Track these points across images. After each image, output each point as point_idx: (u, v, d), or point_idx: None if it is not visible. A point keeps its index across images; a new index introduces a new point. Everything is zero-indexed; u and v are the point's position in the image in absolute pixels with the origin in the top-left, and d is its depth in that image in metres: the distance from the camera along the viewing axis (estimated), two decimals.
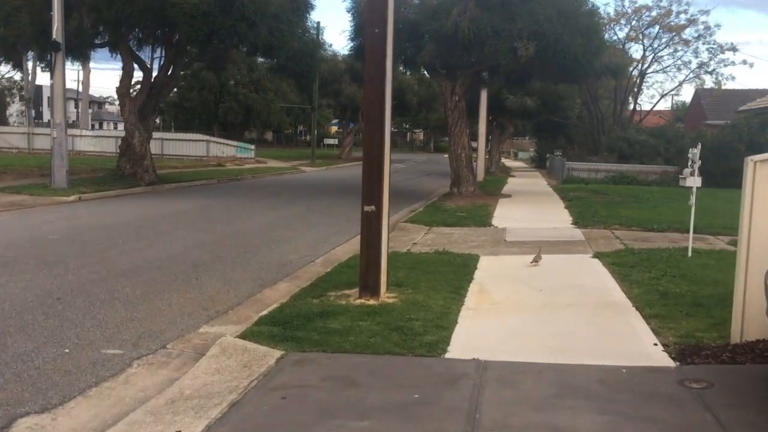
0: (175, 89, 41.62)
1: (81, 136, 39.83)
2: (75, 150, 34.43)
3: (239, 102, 59.38)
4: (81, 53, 22.83)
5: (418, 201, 21.49)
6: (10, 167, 24.59)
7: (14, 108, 52.43)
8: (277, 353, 5.56)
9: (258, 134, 67.23)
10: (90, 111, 65.42)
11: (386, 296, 7.23)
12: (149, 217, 14.77)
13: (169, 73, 22.30)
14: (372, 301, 7.02)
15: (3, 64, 49.66)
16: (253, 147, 44.73)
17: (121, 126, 70.10)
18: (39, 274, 8.49)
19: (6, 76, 50.71)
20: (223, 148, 40.85)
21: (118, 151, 23.67)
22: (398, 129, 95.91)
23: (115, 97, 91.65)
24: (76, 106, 68.59)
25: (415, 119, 72.63)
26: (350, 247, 12.01)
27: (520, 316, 6.81)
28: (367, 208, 7.03)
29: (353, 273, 8.62)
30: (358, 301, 7.05)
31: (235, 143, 43.65)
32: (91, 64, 44.75)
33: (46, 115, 68.95)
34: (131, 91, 23.16)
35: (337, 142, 74.83)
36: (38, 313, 6.79)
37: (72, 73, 69.00)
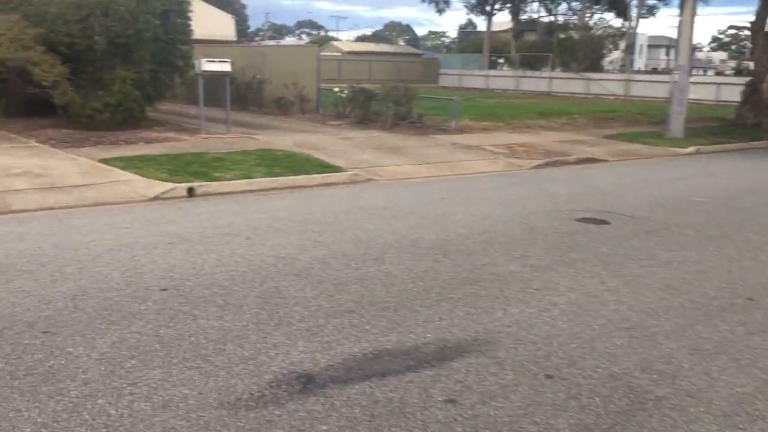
0: None
1: None
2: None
3: None
4: None
5: None
6: (615, 113, 24.04)
7: (612, 56, 52.94)
8: None
9: None
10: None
11: None
12: None
13: None
14: None
15: (604, 12, 51.20)
16: None
17: (710, 73, 65.11)
18: (704, 251, 6.63)
19: (607, 23, 51.74)
20: None
21: (740, 99, 20.47)
22: None
23: (704, 44, 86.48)
24: (667, 54, 66.37)
25: None
26: None
27: None
28: None
29: None
30: None
31: None
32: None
33: (637, 64, 68.73)
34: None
35: None
36: (734, 320, 4.84)
37: (670, 20, 66.92)
